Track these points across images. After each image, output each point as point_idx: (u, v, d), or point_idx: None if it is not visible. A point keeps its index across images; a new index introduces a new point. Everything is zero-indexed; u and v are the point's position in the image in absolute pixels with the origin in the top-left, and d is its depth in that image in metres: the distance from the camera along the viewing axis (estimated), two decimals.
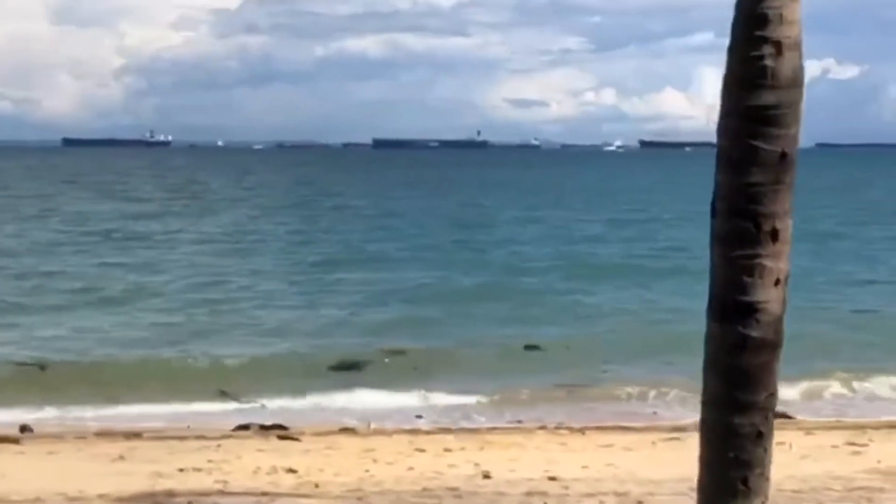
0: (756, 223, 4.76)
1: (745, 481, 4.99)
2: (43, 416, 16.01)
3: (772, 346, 4.86)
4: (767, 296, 4.77)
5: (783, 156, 4.80)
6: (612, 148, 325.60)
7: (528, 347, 21.09)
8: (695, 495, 9.44)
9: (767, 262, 4.76)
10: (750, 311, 4.78)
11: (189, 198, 68.87)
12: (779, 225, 4.79)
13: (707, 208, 4.94)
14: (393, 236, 43.96)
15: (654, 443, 13.00)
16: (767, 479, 5.03)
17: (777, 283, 4.83)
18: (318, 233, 46.07)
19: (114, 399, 17.05)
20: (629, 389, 17.90)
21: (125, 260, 34.69)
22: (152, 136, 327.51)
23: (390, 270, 32.55)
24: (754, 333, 4.79)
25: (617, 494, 9.37)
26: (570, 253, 38.29)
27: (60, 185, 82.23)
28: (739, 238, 4.79)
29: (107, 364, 19.59)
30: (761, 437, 4.93)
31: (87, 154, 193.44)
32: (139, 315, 24.82)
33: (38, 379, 18.53)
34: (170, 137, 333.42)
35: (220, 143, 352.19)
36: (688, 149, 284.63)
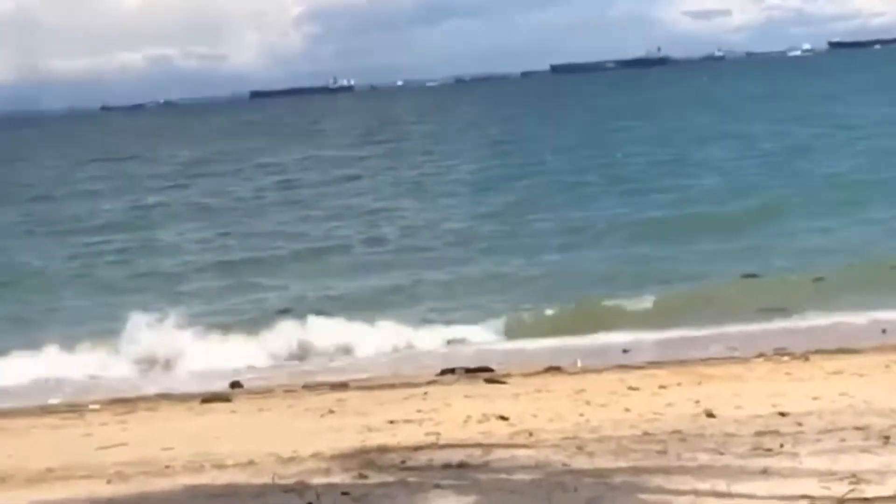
0: None
1: None
2: None
3: None
4: None
5: None
6: (798, 53, 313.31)
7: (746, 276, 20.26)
8: None
9: None
10: None
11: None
12: None
13: None
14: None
15: (887, 366, 12.08)
16: None
17: None
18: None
19: None
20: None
21: None
22: (335, 83, 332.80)
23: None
24: None
25: (858, 429, 8.61)
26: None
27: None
28: None
29: None
30: None
31: (280, 104, 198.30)
32: None
33: None
34: (352, 82, 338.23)
35: (399, 82, 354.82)
36: (877, 46, 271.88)
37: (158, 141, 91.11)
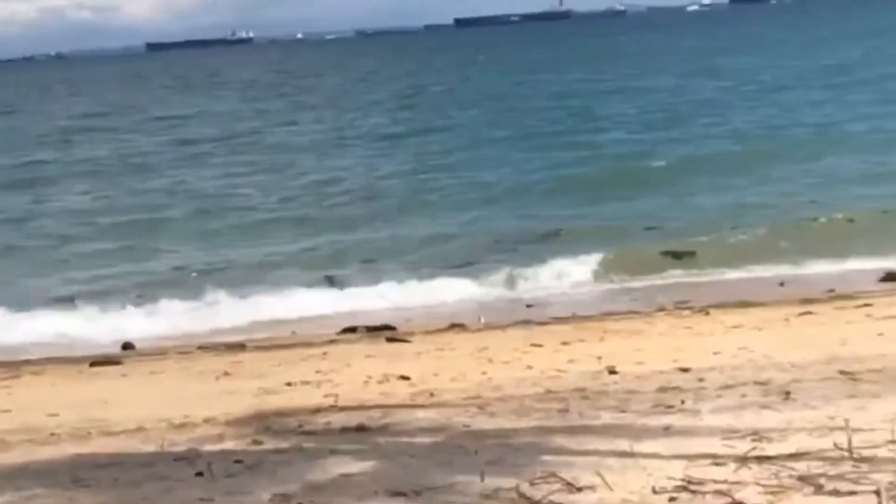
0: None
1: None
2: None
3: None
4: None
5: None
6: (696, 7, 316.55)
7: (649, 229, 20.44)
8: (844, 379, 8.70)
9: None
10: None
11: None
12: None
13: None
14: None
15: (786, 319, 12.16)
16: None
17: None
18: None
19: None
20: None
21: None
22: (234, 35, 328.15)
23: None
24: None
25: (759, 384, 8.58)
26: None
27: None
28: None
29: None
30: None
31: (177, 57, 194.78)
32: None
33: None
34: (251, 34, 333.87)
35: (299, 35, 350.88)
36: (773, 1, 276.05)
37: (46, 94, 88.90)
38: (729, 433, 6.97)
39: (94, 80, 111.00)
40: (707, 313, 13.23)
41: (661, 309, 14.03)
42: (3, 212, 28.22)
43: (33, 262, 21.91)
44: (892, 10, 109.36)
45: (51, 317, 16.96)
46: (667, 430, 7.23)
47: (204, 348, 14.22)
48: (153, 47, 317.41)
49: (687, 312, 13.44)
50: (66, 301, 17.92)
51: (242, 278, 18.69)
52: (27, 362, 13.97)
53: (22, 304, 17.62)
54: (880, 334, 10.46)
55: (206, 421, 8.89)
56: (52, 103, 75.00)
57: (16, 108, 72.17)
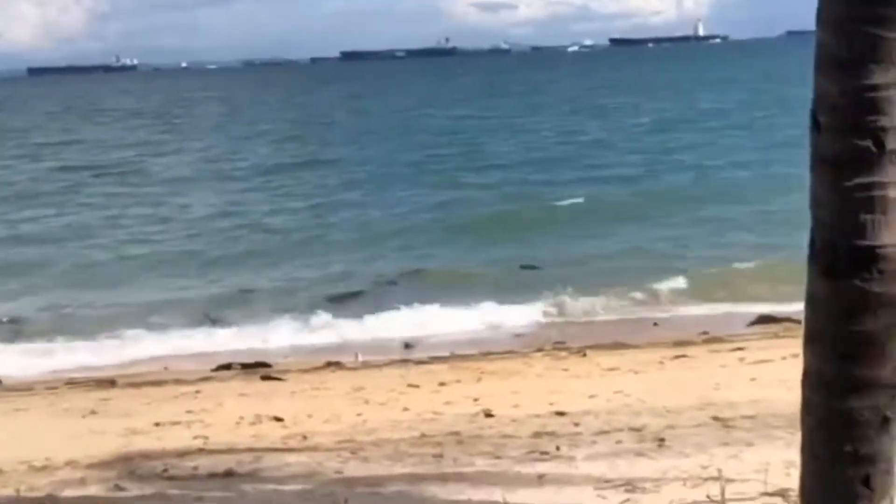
0: (877, 141, 3.59)
1: (866, 481, 3.85)
2: None
3: None
4: (894, 238, 3.69)
5: None
6: (576, 49, 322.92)
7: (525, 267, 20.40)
8: (717, 425, 8.67)
9: (893, 193, 3.68)
10: (871, 259, 3.63)
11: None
12: None
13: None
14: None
15: (661, 362, 12.15)
16: (893, 475, 3.89)
17: None
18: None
19: None
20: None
21: None
22: (118, 61, 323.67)
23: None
24: (877, 289, 3.65)
25: (633, 430, 8.50)
26: None
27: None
28: (855, 161, 3.61)
29: None
30: (887, 424, 3.79)
31: (54, 82, 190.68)
32: None
33: None
34: (136, 61, 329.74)
35: (183, 63, 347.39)
36: (650, 45, 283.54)
37: None
38: (602, 483, 6.85)
39: None
40: (584, 354, 13.18)
41: (539, 349, 13.95)
42: None
43: None
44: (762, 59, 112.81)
45: None
46: (540, 479, 7.08)
47: (72, 384, 13.68)
48: (35, 71, 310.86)
49: (564, 353, 13.37)
50: None
51: (115, 315, 18.07)
52: None
53: None
54: (753, 379, 10.49)
55: (68, 463, 8.47)
56: None
57: None
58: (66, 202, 33.44)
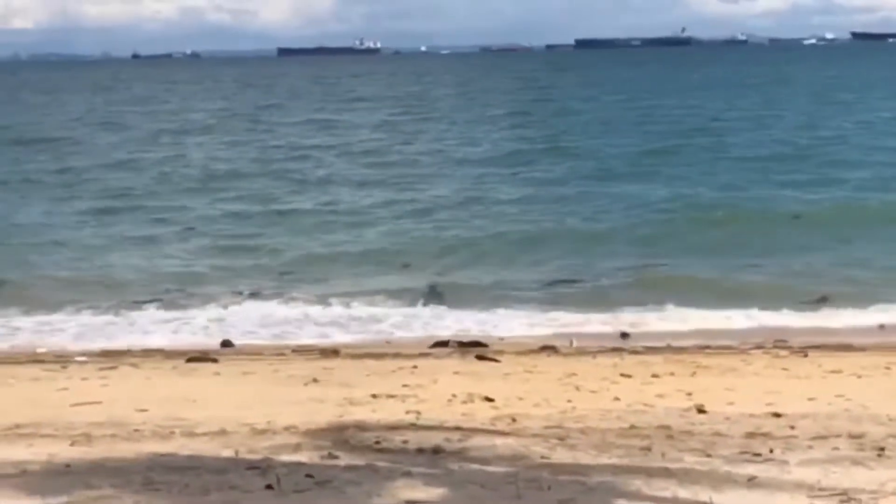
0: None
1: None
2: None
3: None
4: None
5: None
6: (813, 41, 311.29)
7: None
8: None
9: None
10: None
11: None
12: None
13: None
14: None
15: (887, 367, 11.51)
16: None
17: None
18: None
19: None
20: None
21: None
22: (361, 44, 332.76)
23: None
24: None
25: (852, 437, 8.06)
26: None
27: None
28: None
29: None
30: None
31: (308, 62, 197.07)
32: None
33: None
34: (378, 44, 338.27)
35: (423, 48, 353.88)
36: (890, 40, 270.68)
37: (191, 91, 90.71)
38: (816, 490, 6.51)
39: (231, 81, 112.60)
40: (805, 355, 12.64)
41: (759, 347, 13.47)
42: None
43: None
44: None
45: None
46: (751, 482, 6.79)
47: (298, 351, 14.11)
48: (284, 51, 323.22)
49: (785, 353, 12.85)
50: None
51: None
52: (128, 353, 14.00)
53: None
54: None
55: (287, 429, 8.68)
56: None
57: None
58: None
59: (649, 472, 7.04)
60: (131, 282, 19.46)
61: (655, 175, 31.73)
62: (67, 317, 16.75)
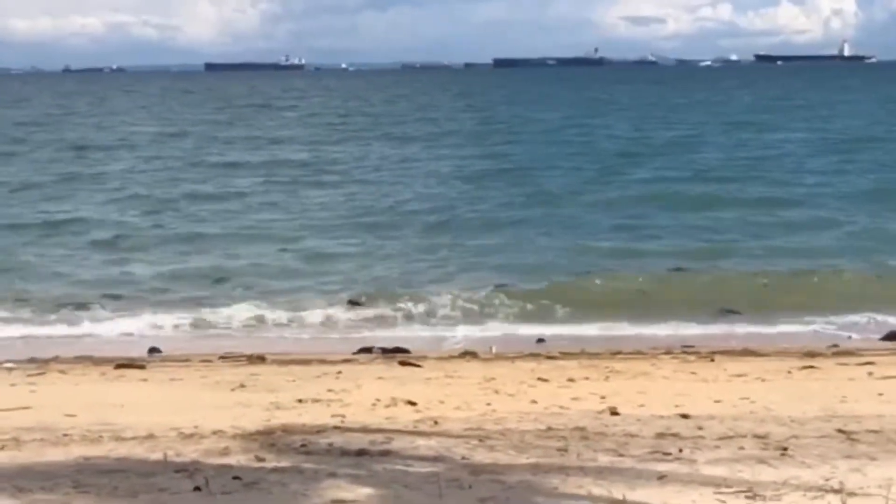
0: None
1: None
2: None
3: None
4: None
5: None
6: (708, 63, 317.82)
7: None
8: (842, 438, 8.31)
9: None
10: None
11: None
12: None
13: None
14: None
15: (789, 371, 11.74)
16: None
17: None
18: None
19: None
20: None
21: None
22: (287, 60, 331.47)
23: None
24: None
25: (757, 437, 8.20)
26: None
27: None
28: None
29: None
30: None
31: (235, 77, 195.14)
32: None
33: None
34: (303, 61, 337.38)
35: (343, 65, 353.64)
36: (779, 62, 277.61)
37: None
38: (723, 487, 6.62)
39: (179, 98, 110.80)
40: (712, 359, 12.84)
41: (668, 352, 13.65)
42: None
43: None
44: None
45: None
46: (661, 479, 6.88)
47: (226, 358, 13.95)
48: (211, 66, 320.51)
49: (692, 357, 13.04)
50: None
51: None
52: (56, 359, 13.74)
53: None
54: (881, 394, 10.05)
55: (215, 433, 8.60)
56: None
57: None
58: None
59: (565, 471, 7.10)
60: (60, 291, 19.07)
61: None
62: None
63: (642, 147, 44.90)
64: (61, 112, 77.76)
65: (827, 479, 6.75)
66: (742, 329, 16.08)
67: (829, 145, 44.31)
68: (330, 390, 10.73)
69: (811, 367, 12.04)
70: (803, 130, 52.24)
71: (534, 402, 9.96)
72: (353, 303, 17.62)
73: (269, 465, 7.42)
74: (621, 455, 7.64)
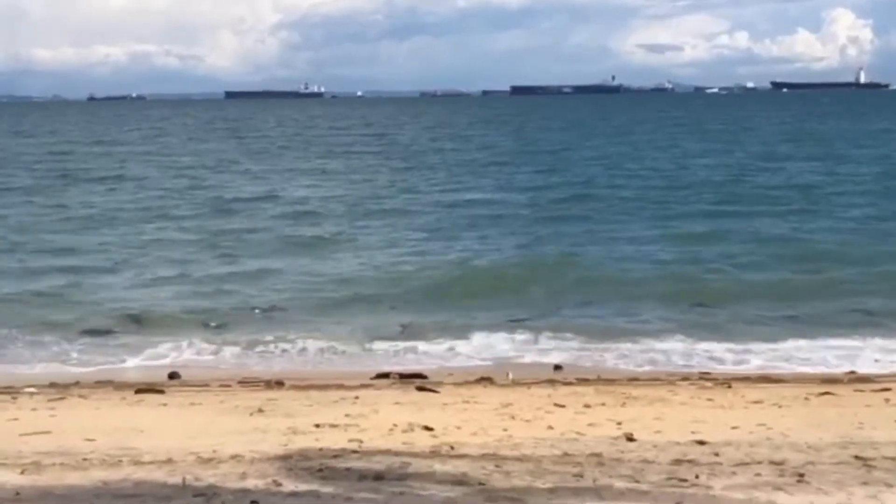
0: None
1: None
2: None
3: None
4: None
5: None
6: (715, 90, 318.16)
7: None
8: (858, 464, 8.26)
9: None
10: None
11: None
12: None
13: None
14: None
15: (806, 398, 11.68)
16: None
17: None
18: None
19: None
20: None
21: None
22: (306, 88, 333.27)
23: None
24: None
25: (773, 463, 8.17)
26: None
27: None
28: None
29: None
30: None
31: (254, 104, 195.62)
32: None
33: None
34: (322, 89, 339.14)
35: (359, 93, 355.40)
36: (784, 90, 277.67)
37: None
38: None
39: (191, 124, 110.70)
40: (729, 386, 12.78)
41: (685, 378, 13.59)
42: None
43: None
44: None
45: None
46: None
47: (244, 383, 13.96)
48: (231, 94, 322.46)
49: (709, 384, 12.98)
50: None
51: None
52: (76, 384, 13.78)
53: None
54: None
55: (233, 457, 8.62)
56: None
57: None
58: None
59: (582, 497, 7.08)
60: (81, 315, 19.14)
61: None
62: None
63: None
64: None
65: None
66: None
67: None
68: (347, 415, 10.73)
69: (828, 393, 11.98)
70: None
71: (550, 427, 9.93)
72: (373, 330, 17.60)
73: (287, 489, 7.42)
74: (637, 481, 7.61)
